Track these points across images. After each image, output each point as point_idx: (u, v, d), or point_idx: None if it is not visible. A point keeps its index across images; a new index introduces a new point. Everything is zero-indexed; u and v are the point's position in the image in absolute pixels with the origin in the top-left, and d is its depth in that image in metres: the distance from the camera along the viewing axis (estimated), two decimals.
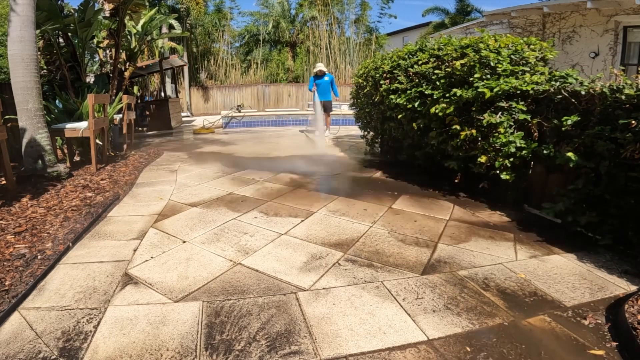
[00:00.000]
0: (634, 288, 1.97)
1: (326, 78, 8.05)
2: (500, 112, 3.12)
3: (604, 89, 2.47)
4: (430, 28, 18.78)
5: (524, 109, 3.04)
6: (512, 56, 3.31)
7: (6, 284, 1.96)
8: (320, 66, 8.16)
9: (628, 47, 6.68)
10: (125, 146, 6.24)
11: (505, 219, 3.04)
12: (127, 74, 7.79)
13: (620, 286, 2.01)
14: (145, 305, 1.84)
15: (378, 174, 4.60)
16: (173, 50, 13.62)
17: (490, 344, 1.57)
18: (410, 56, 4.17)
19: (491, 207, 3.28)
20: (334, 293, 1.95)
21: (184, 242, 2.58)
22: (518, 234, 2.74)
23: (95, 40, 7.61)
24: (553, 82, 2.92)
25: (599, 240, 2.44)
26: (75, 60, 6.27)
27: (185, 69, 14.43)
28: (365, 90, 5.13)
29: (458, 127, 3.36)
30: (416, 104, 3.82)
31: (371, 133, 5.80)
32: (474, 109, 3.25)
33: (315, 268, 2.21)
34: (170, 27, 13.16)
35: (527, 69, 3.25)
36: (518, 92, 3.07)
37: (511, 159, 3.05)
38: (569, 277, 2.11)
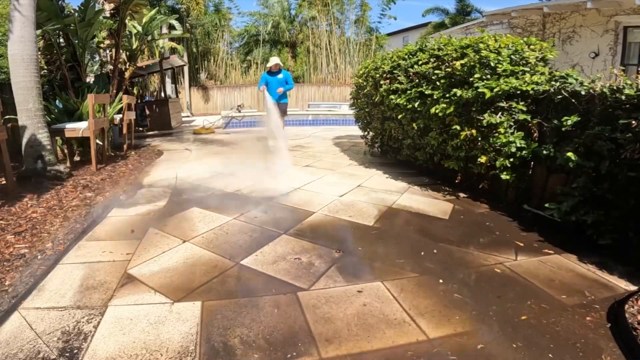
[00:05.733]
0: (634, 288, 1.97)
1: (280, 75, 6.37)
2: (500, 112, 3.12)
3: (604, 89, 2.47)
4: (430, 28, 18.77)
5: (524, 109, 3.04)
6: (512, 56, 3.31)
7: (6, 284, 1.96)
8: (275, 60, 6.43)
9: (628, 47, 6.67)
10: (125, 146, 6.24)
11: (505, 219, 3.04)
12: (127, 74, 7.77)
13: (620, 286, 2.01)
14: (145, 305, 1.84)
15: (378, 174, 4.60)
16: (173, 51, 13.61)
17: (490, 343, 1.57)
18: (411, 56, 4.17)
19: (491, 207, 3.28)
20: (334, 293, 1.95)
21: (184, 241, 2.58)
22: (518, 233, 2.74)
23: (95, 40, 7.59)
24: (553, 83, 2.92)
25: (599, 240, 2.43)
26: (75, 60, 6.26)
27: (186, 69, 14.42)
28: (366, 91, 5.13)
29: (458, 127, 3.36)
30: (416, 104, 3.82)
31: (371, 133, 5.79)
32: (474, 109, 3.25)
33: (316, 268, 2.21)
34: (171, 27, 13.15)
35: (527, 69, 3.25)
36: (518, 92, 3.07)
37: (511, 159, 3.05)
38: (569, 277, 2.11)
